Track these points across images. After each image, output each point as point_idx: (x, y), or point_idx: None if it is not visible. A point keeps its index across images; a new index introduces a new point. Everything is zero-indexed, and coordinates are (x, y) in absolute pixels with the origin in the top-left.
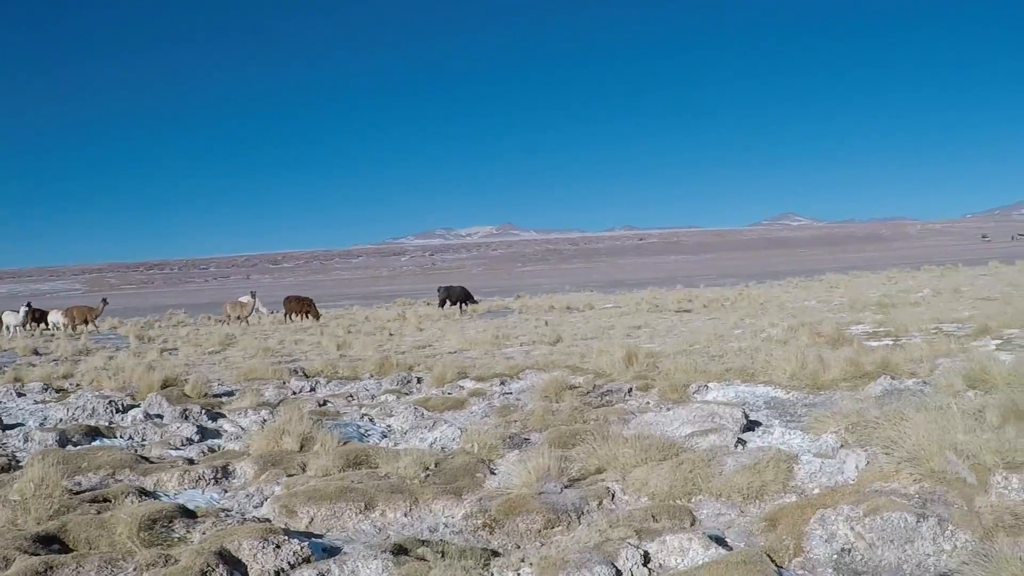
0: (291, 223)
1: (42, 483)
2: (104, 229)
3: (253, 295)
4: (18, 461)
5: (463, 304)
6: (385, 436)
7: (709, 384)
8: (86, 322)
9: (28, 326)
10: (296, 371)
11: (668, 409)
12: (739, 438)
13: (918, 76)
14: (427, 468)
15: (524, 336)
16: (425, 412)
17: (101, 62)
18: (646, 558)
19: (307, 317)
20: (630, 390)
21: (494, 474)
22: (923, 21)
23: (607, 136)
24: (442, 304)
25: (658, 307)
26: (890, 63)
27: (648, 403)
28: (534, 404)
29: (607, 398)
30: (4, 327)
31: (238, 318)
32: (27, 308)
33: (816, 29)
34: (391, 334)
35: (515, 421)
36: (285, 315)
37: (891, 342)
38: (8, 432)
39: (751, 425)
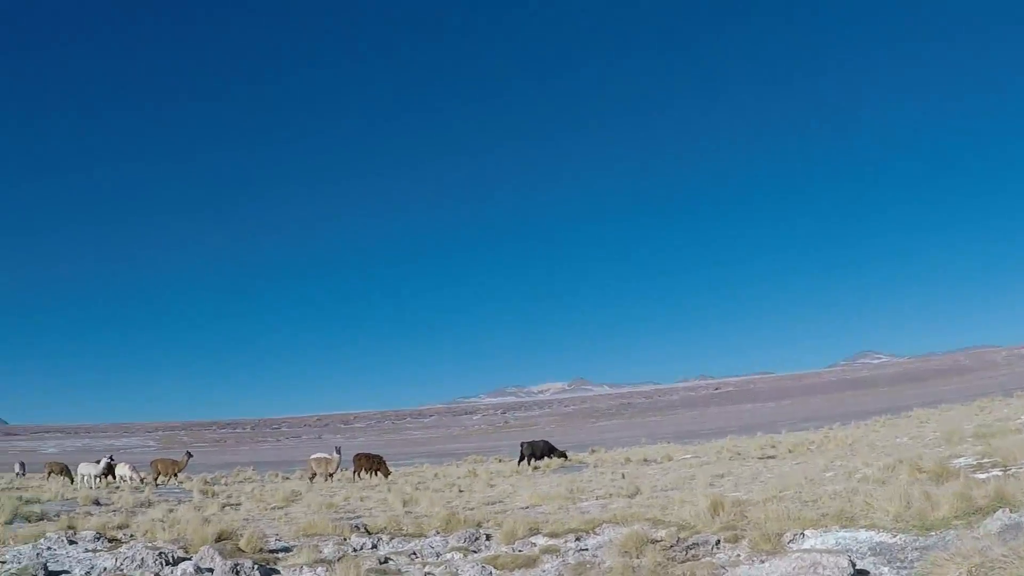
0: (362, 384)
1: None
2: (178, 389)
3: (337, 450)
4: None
5: (540, 459)
6: None
7: (805, 531)
8: (168, 475)
9: (101, 479)
10: (357, 527)
11: (762, 561)
12: None
13: (979, 196)
14: None
15: (600, 489)
16: (493, 571)
17: (171, 217)
18: None
19: (376, 474)
20: (718, 542)
21: None
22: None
23: (677, 287)
24: (523, 459)
25: (740, 455)
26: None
27: (739, 555)
28: (612, 560)
29: (692, 552)
30: (80, 477)
31: (323, 474)
32: (109, 460)
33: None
34: (460, 490)
35: None
36: (354, 472)
37: (1000, 472)
38: None
39: (858, 575)
